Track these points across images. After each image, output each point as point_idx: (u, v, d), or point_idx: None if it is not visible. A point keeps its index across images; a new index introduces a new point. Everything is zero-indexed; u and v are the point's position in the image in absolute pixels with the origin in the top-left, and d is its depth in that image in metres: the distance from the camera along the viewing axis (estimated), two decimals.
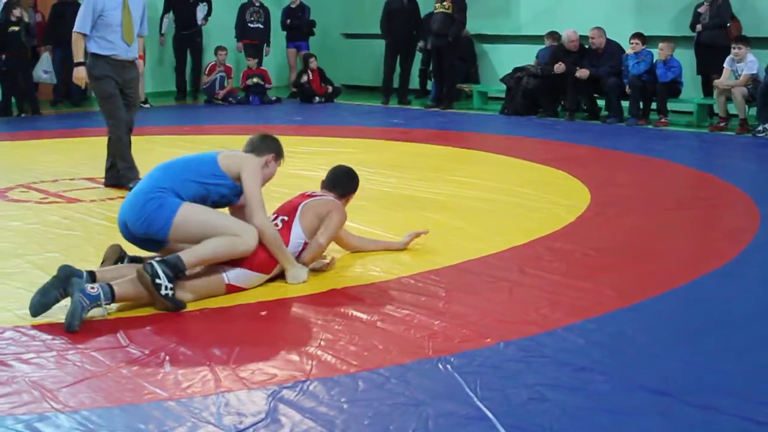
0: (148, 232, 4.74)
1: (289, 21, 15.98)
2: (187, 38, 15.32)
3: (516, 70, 13.24)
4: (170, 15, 15.34)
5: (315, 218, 5.13)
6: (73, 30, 7.46)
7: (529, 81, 12.92)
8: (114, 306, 4.52)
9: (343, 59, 17.05)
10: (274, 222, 5.10)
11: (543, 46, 13.43)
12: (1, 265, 5.42)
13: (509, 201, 7.11)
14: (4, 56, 13.20)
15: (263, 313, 4.56)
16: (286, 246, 4.96)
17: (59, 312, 4.43)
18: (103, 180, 7.92)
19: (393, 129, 11.78)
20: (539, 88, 12.81)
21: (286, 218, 5.13)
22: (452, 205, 6.96)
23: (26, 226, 6.53)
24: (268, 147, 5.20)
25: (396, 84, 14.78)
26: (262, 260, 4.82)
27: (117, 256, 4.93)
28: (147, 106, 14.63)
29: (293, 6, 15.99)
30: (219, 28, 15.81)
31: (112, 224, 6.45)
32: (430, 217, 6.57)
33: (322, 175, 8.05)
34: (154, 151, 10.00)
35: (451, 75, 13.95)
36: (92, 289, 4.38)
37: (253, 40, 15.70)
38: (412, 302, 4.62)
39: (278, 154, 5.23)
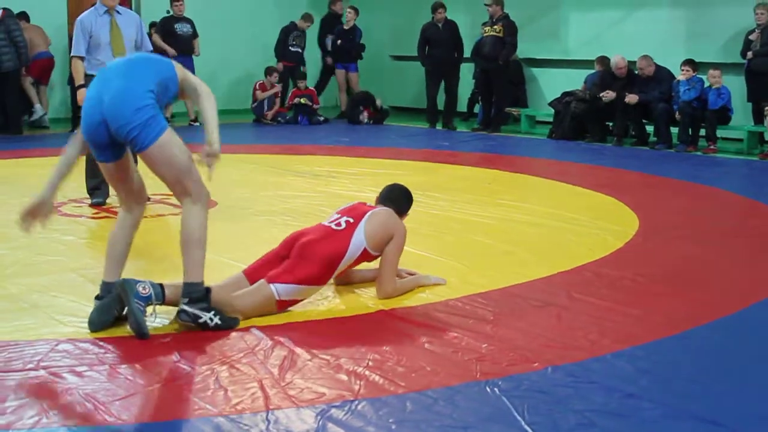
0: (127, 140, 4.50)
1: (339, 42, 16.11)
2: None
3: (564, 94, 13.23)
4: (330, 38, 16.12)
5: (380, 227, 5.06)
6: (71, 55, 7.61)
7: (577, 105, 12.91)
8: (164, 321, 4.59)
9: (391, 81, 17.13)
10: (337, 221, 5.09)
11: (592, 71, 13.42)
12: (55, 278, 5.52)
13: (557, 226, 7.10)
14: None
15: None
16: (345, 251, 4.95)
17: (111, 326, 4.52)
18: (153, 195, 8.02)
19: (441, 152, 11.80)
20: (587, 112, 12.79)
21: (351, 220, 5.07)
22: (500, 229, 6.96)
23: (79, 240, 6.64)
24: None
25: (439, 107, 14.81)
26: (314, 274, 4.85)
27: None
28: (196, 124, 14.81)
29: (346, 28, 16.13)
30: (264, 50, 16.05)
31: (163, 239, 6.57)
32: (479, 240, 6.59)
33: (369, 196, 8.12)
34: (202, 169, 10.13)
35: (500, 98, 13.97)
36: (144, 290, 4.44)
37: (290, 62, 15.90)
38: (459, 325, 4.64)
39: None
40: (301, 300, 4.87)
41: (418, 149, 12.04)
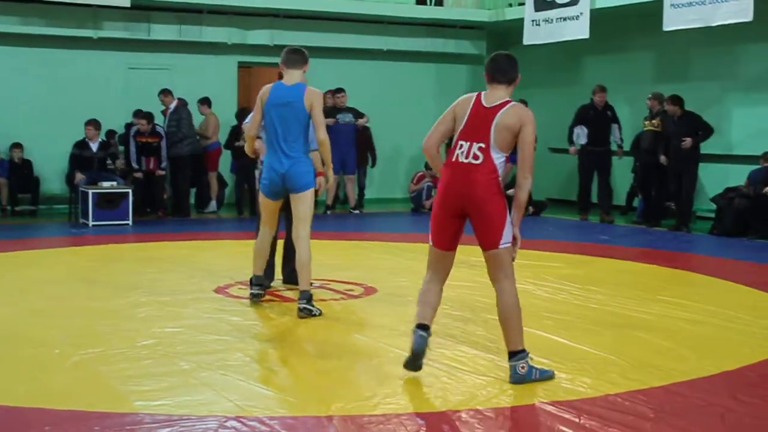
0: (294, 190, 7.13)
1: None
2: (597, 155, 14.52)
3: (727, 190, 12.99)
4: (582, 128, 14.63)
5: (508, 133, 5.18)
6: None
7: (740, 201, 12.64)
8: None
9: (549, 173, 17.16)
10: (473, 152, 5.16)
11: (756, 167, 13.13)
12: (222, 357, 5.75)
13: (719, 324, 6.95)
14: (237, 162, 14.22)
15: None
16: (499, 170, 5.19)
17: (276, 405, 4.70)
18: (314, 281, 8.30)
19: (599, 245, 11.73)
20: (751, 209, 12.50)
21: (483, 145, 5.18)
22: (661, 326, 6.86)
23: (245, 321, 6.89)
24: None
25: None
26: (502, 210, 5.23)
27: None
28: (356, 212, 15.19)
29: None
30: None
31: (327, 323, 6.76)
32: (639, 336, 6.51)
33: (527, 287, 8.19)
34: (363, 256, 10.38)
35: (659, 193, 13.82)
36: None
37: None
38: (619, 421, 4.59)
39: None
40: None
41: (576, 242, 11.98)
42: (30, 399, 4.82)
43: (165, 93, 14.59)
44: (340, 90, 15.44)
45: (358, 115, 15.55)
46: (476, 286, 8.29)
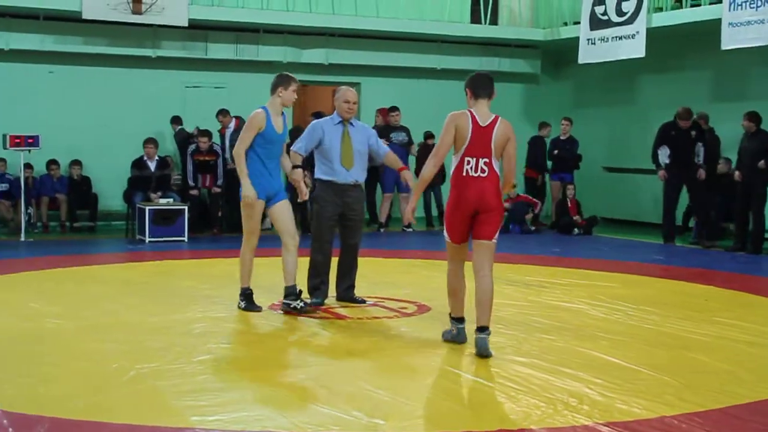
0: None
1: (556, 152, 16.15)
2: (680, 175, 13.76)
3: None
4: (664, 148, 13.87)
5: (501, 146, 6.29)
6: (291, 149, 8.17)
7: None
8: None
9: (603, 192, 17.06)
10: (480, 166, 6.26)
11: None
12: (277, 373, 5.80)
13: None
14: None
15: None
16: (499, 174, 6.34)
17: (329, 422, 4.71)
18: (368, 298, 8.33)
19: (654, 265, 11.62)
20: None
21: (487, 160, 6.27)
22: (719, 347, 6.77)
23: (299, 338, 6.95)
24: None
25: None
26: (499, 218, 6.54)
27: None
28: (410, 230, 15.18)
29: (563, 138, 16.18)
30: None
31: (379, 340, 6.77)
32: (695, 357, 6.43)
33: (581, 307, 8.15)
34: (414, 274, 10.37)
35: (709, 212, 13.65)
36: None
37: None
38: None
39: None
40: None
41: (630, 262, 11.87)
42: (88, 413, 4.89)
43: (223, 113, 14.76)
44: (394, 108, 15.48)
45: (411, 140, 15.53)
46: (530, 306, 8.29)
